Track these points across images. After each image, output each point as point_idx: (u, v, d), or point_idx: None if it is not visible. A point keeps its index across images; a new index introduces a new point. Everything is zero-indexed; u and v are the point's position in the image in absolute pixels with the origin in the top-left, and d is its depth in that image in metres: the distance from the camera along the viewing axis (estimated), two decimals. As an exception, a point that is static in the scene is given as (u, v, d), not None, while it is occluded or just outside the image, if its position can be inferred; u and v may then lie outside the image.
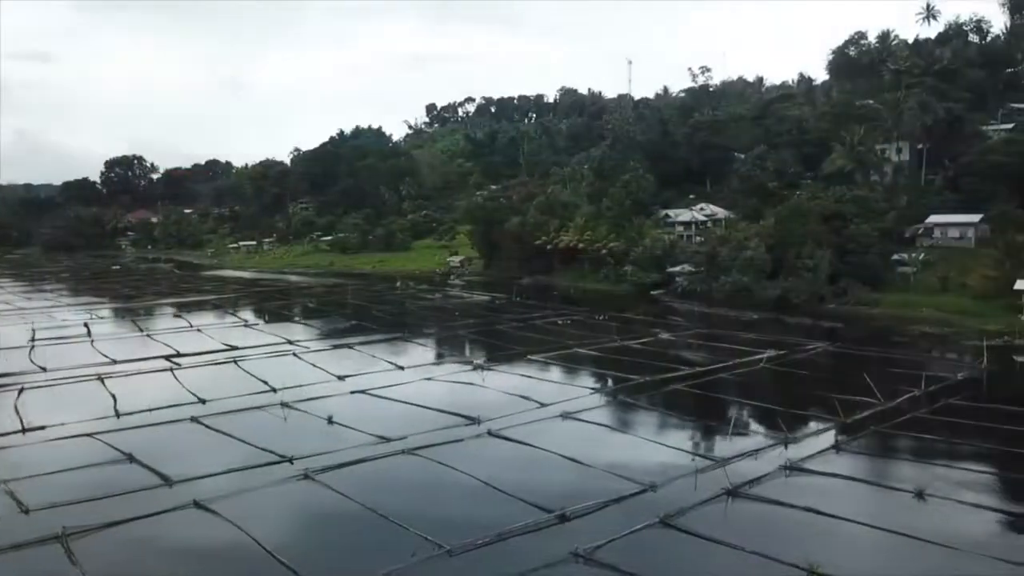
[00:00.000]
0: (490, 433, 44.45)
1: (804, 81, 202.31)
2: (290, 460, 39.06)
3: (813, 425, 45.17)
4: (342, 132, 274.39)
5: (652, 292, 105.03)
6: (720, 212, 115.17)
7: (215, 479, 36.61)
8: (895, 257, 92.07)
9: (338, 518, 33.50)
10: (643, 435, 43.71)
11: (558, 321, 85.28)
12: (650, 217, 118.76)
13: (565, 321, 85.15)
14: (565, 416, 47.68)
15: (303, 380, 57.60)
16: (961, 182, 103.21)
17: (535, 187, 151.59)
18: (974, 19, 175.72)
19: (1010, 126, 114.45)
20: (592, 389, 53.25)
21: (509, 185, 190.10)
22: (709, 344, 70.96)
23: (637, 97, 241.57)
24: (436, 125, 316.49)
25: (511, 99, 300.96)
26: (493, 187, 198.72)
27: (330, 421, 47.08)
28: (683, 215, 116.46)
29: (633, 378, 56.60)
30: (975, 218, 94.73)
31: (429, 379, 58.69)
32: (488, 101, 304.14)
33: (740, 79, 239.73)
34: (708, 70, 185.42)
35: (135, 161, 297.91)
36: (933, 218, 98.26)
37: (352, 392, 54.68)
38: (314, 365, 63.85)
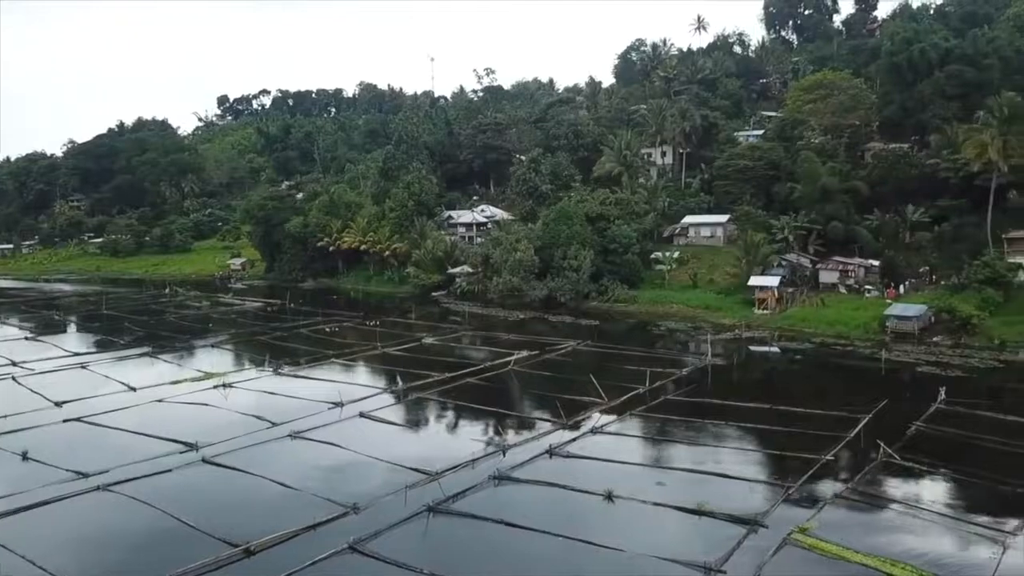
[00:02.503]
0: (205, 460, 41.95)
1: (593, 85, 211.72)
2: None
3: (536, 429, 46.41)
4: (122, 124, 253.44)
5: (433, 293, 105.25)
6: (500, 214, 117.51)
7: None
8: (653, 256, 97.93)
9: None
10: (368, 452, 42.82)
11: (326, 329, 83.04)
12: (433, 218, 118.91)
13: (333, 328, 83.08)
14: (294, 436, 46.01)
15: (14, 408, 51.90)
16: (714, 185, 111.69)
17: (318, 186, 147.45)
18: (736, 32, 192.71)
19: (760, 132, 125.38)
20: (332, 404, 51.80)
21: (301, 182, 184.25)
22: (468, 347, 71.81)
23: (439, 95, 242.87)
24: (229, 118, 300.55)
25: (309, 92, 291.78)
26: (287, 183, 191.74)
27: (25, 457, 42.56)
28: (465, 216, 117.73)
29: (377, 389, 55.88)
30: (723, 218, 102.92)
31: (161, 401, 54.72)
32: (285, 94, 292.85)
33: (535, 80, 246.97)
34: (492, 72, 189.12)
35: None
36: (688, 219, 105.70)
37: (66, 420, 49.91)
38: (32, 391, 57.75)
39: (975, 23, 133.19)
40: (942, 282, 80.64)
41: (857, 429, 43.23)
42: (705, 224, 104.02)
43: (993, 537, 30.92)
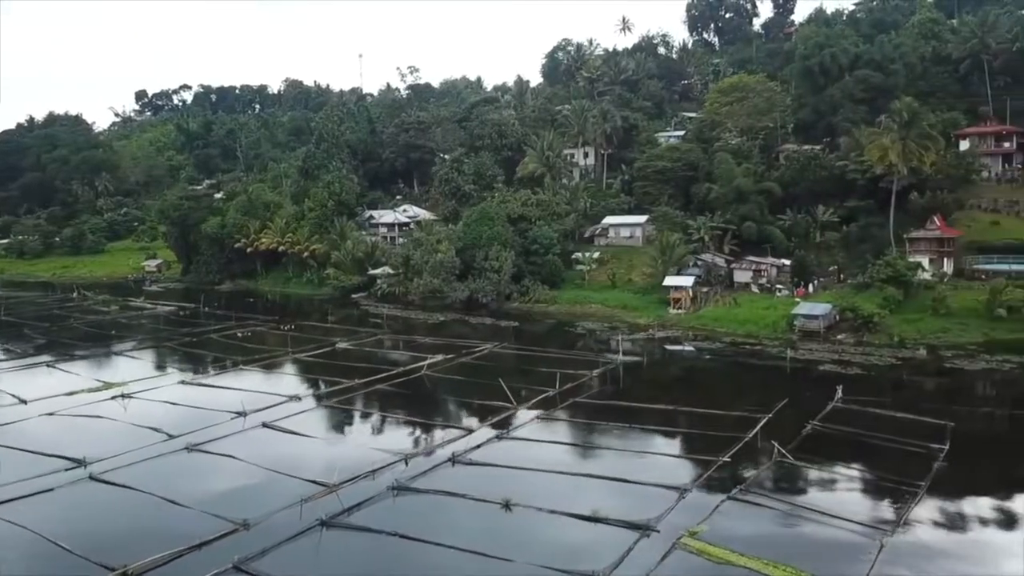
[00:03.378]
0: (92, 477, 40.21)
1: (521, 84, 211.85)
2: None
3: (442, 436, 45.99)
4: (32, 119, 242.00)
5: (354, 295, 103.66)
6: (423, 214, 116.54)
7: None
8: (574, 256, 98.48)
9: None
10: (267, 464, 41.68)
11: (238, 334, 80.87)
12: (354, 218, 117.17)
13: (246, 333, 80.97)
14: (191, 449, 44.55)
15: None
16: (635, 185, 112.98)
17: (239, 185, 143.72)
18: (661, 34, 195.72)
19: (681, 133, 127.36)
20: (235, 414, 50.34)
21: (222, 181, 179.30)
22: (383, 352, 70.85)
23: (368, 92, 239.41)
24: (148, 113, 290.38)
25: (233, 88, 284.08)
26: (208, 182, 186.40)
27: None
28: (386, 216, 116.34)
29: (283, 397, 54.61)
30: (642, 219, 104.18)
31: (52, 414, 52.26)
32: (207, 89, 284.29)
33: (463, 78, 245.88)
34: (416, 70, 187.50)
35: None
36: (608, 219, 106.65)
37: (-56, 438, 47.17)
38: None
39: (883, 29, 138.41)
40: (849, 281, 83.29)
41: (755, 430, 44.11)
42: (625, 225, 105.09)
43: (871, 535, 31.87)
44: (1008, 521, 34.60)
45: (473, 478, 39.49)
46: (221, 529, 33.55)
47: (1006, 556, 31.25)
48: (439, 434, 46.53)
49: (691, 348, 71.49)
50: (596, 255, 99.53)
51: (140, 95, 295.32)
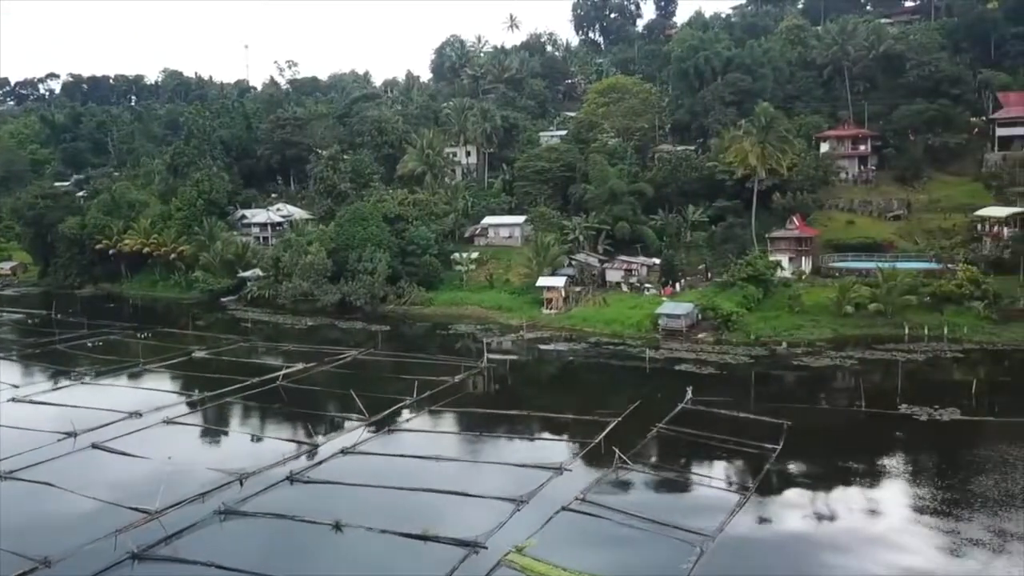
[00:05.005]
0: None
1: (410, 79, 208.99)
2: None
3: (284, 452, 44.11)
4: None
5: (222, 299, 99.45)
6: (298, 213, 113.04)
7: None
8: (453, 256, 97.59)
9: None
10: (88, 491, 38.92)
11: (88, 344, 76.02)
12: (226, 218, 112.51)
13: (96, 343, 76.18)
14: (4, 477, 41.19)
15: None
16: (515, 185, 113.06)
17: (108, 181, 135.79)
18: (548, 32, 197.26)
19: (564, 132, 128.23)
20: (64, 435, 46.97)
21: (91, 177, 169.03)
22: (242, 361, 67.89)
23: (254, 84, 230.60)
24: (10, 102, 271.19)
25: (106, 78, 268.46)
26: (77, 177, 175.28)
27: None
28: (259, 216, 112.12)
29: (121, 414, 51.40)
30: (520, 219, 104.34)
31: None
32: (77, 79, 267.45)
33: (352, 72, 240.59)
34: (295, 64, 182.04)
35: None
36: (488, 219, 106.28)
37: None
38: None
39: (755, 34, 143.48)
40: (716, 280, 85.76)
41: (601, 436, 44.34)
42: (503, 225, 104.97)
43: (692, 541, 32.36)
44: (826, 517, 35.84)
45: (310, 498, 38.06)
46: (18, 568, 30.96)
47: (822, 551, 32.35)
48: (282, 450, 44.56)
49: (562, 348, 71.54)
50: (475, 255, 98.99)
51: (1, 83, 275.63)
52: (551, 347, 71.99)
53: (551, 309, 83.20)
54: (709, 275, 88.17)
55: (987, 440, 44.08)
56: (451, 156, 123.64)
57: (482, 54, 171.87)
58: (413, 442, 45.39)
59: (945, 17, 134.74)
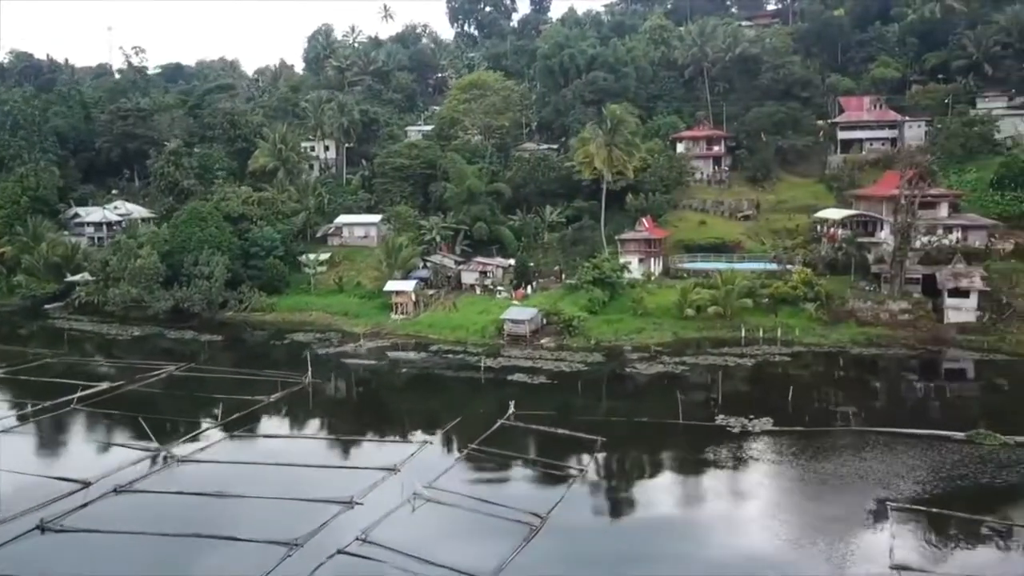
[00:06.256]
0: None
1: (284, 68, 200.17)
2: None
3: (51, 493, 39.24)
4: None
5: (47, 306, 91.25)
6: (139, 211, 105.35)
7: None
8: (302, 258, 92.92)
9: None
10: None
11: None
12: (57, 216, 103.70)
13: None
14: None
15: None
16: (375, 182, 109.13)
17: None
18: (422, 24, 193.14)
19: (430, 127, 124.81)
20: None
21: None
22: (41, 380, 61.27)
23: (118, 68, 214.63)
24: None
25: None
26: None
27: None
28: (94, 215, 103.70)
29: None
30: (376, 218, 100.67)
31: None
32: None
33: (220, 60, 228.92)
34: (143, 51, 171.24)
35: None
36: (342, 218, 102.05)
37: None
38: None
39: (623, 33, 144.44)
40: (568, 282, 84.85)
41: (401, 463, 41.75)
42: (358, 224, 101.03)
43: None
44: (623, 538, 34.52)
45: (58, 551, 33.82)
46: None
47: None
48: (46, 491, 39.52)
49: (401, 358, 68.53)
50: (325, 257, 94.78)
51: None
52: (390, 357, 68.82)
53: (400, 314, 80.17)
54: (563, 277, 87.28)
55: (790, 452, 44.09)
56: (309, 150, 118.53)
57: (356, 44, 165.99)
58: (197, 476, 41.39)
59: (800, 22, 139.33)
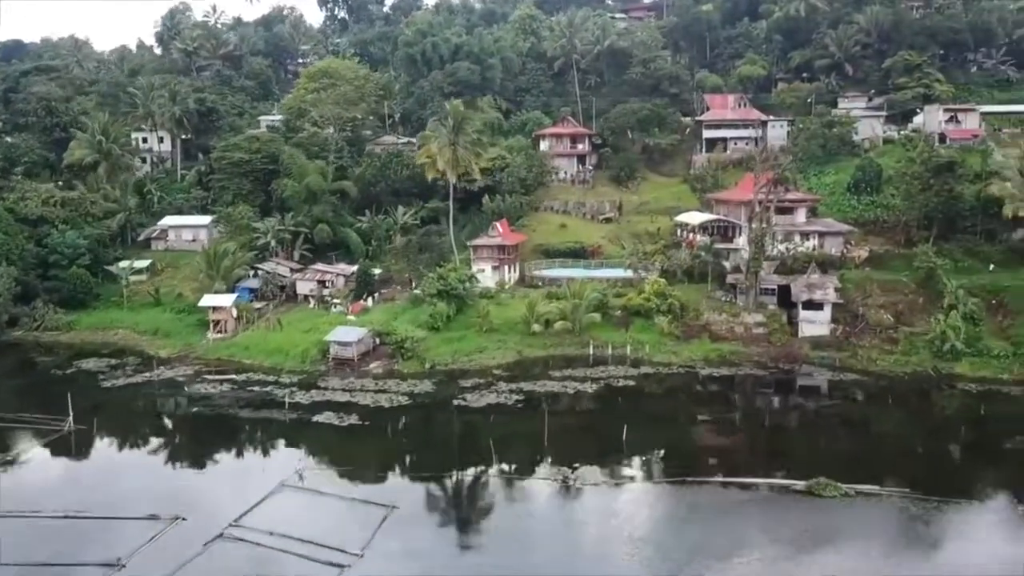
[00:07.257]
0: None
1: (145, 49, 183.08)
2: None
3: None
4: None
5: None
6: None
7: None
8: (113, 267, 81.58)
9: None
10: None
11: None
12: None
13: None
14: None
15: None
16: (211, 179, 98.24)
17: None
18: (290, 7, 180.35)
19: (280, 118, 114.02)
20: None
21: None
22: None
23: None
24: None
25: None
26: None
27: None
28: None
29: None
30: (206, 219, 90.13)
31: None
32: None
33: (70, 38, 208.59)
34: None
35: None
36: (168, 220, 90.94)
37: None
38: None
39: (493, 21, 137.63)
40: (411, 294, 77.30)
41: (131, 553, 33.37)
42: (186, 226, 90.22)
43: None
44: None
45: None
46: None
47: None
48: None
49: (200, 392, 57.23)
50: (143, 264, 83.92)
51: None
52: (187, 392, 58.48)
53: (218, 333, 70.63)
54: (413, 286, 79.63)
55: (616, 511, 38.27)
56: (141, 143, 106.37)
57: (220, 25, 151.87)
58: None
59: (672, 16, 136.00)
